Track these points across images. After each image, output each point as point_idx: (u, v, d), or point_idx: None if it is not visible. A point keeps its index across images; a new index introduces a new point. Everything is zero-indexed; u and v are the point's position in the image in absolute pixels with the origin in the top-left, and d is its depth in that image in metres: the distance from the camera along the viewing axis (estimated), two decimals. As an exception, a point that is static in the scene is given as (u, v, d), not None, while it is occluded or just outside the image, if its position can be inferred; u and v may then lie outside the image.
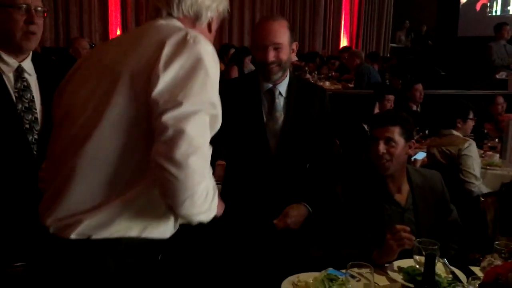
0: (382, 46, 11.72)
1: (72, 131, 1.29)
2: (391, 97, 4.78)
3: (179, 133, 1.15)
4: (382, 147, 2.09)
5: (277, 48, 2.09)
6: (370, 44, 11.68)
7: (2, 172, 1.71)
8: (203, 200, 1.21)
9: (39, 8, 1.79)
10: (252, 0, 10.99)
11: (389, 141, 2.10)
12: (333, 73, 7.93)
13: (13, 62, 1.78)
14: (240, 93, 2.19)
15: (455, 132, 3.51)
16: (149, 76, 1.20)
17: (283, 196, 2.21)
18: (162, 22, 1.38)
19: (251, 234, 2.19)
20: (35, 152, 1.77)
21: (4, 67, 1.77)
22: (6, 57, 1.77)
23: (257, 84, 2.20)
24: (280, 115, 2.21)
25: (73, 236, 1.25)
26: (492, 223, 2.26)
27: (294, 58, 7.94)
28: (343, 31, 11.69)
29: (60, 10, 9.74)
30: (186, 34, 1.27)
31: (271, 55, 2.08)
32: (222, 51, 7.58)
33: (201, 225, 1.31)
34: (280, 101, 2.21)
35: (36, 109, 1.80)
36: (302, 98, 2.24)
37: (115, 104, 1.23)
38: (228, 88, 2.16)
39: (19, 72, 1.80)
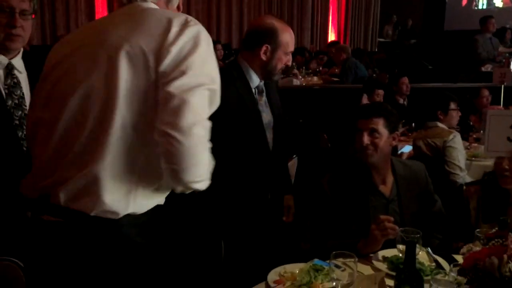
0: (370, 40, 11.78)
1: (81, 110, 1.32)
2: (381, 91, 4.85)
3: (184, 103, 1.23)
4: (366, 138, 2.12)
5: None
6: (358, 39, 11.73)
7: None
8: (206, 168, 1.30)
9: (26, 11, 1.78)
10: (240, -4, 11.00)
11: (373, 132, 2.13)
12: (321, 68, 7.96)
13: (2, 59, 1.79)
14: (232, 88, 2.22)
15: (440, 124, 3.55)
16: (160, 50, 1.29)
17: (277, 187, 2.33)
18: (144, 5, 1.43)
19: (248, 228, 2.24)
20: (24, 148, 1.78)
21: None
22: None
23: (246, 79, 2.26)
24: (268, 109, 2.34)
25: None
26: (475, 211, 2.30)
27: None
28: (331, 26, 11.73)
29: (46, 8, 9.66)
30: (187, 17, 1.38)
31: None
32: None
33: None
34: (264, 96, 2.35)
35: (26, 106, 1.81)
36: (273, 93, 2.41)
37: (127, 79, 1.29)
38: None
39: (9, 69, 1.80)
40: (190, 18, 1.38)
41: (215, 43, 7.02)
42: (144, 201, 1.36)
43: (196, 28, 1.36)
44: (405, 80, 5.35)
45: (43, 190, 1.34)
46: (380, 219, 1.92)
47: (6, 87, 1.78)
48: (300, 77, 7.07)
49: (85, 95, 1.32)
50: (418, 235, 1.79)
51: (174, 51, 1.29)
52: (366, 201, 2.12)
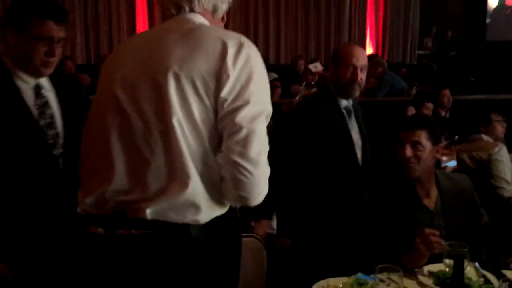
0: (409, 53, 11.63)
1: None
2: (430, 105, 4.79)
3: (252, 133, 1.31)
4: (408, 151, 2.10)
5: (363, 70, 2.49)
6: (396, 51, 11.59)
7: (32, 187, 1.73)
8: (266, 190, 1.39)
9: (62, 39, 1.82)
10: (276, 13, 11.09)
11: (416, 144, 2.11)
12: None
13: (31, 80, 1.81)
14: (325, 109, 2.45)
15: (484, 137, 3.47)
16: (220, 75, 1.32)
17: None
18: (194, 19, 1.46)
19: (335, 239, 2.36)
20: (61, 166, 1.81)
21: (22, 85, 1.78)
22: (24, 76, 1.79)
23: (335, 101, 2.50)
24: (356, 128, 2.57)
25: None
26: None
27: (320, 68, 7.96)
28: (369, 39, 11.65)
29: (90, 28, 10.04)
30: (241, 38, 1.40)
31: (360, 76, 2.46)
32: None
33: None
34: (352, 115, 2.56)
35: (57, 124, 1.84)
36: (359, 113, 2.67)
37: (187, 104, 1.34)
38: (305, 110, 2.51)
39: (37, 89, 1.83)
40: (243, 39, 1.40)
41: None
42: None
43: (251, 50, 1.39)
44: (447, 92, 5.26)
45: (119, 206, 1.38)
46: (425, 233, 1.89)
47: (37, 107, 1.80)
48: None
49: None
50: (466, 249, 1.75)
51: (233, 76, 1.32)
52: (410, 215, 2.10)
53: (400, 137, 2.15)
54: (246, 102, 1.31)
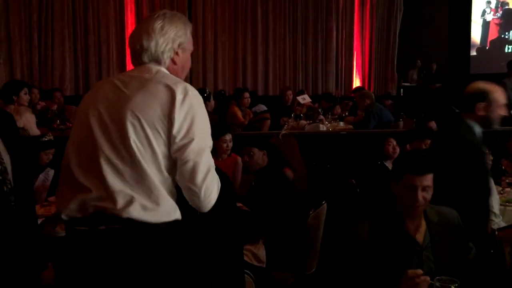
0: (394, 85, 11.83)
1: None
2: (429, 141, 4.72)
3: (197, 164, 1.74)
4: (420, 196, 2.10)
5: None
6: (381, 83, 11.79)
7: None
8: (215, 198, 1.80)
9: None
10: (265, 44, 11.26)
11: (426, 189, 2.12)
12: (346, 113, 8.00)
13: None
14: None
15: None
16: (170, 116, 1.74)
17: None
18: (149, 66, 1.90)
19: None
20: (12, 203, 1.77)
21: None
22: None
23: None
24: None
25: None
26: (510, 256, 2.24)
27: (308, 99, 8.06)
28: (356, 71, 11.85)
29: (80, 59, 10.10)
30: (186, 86, 1.80)
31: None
32: (236, 95, 7.70)
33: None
34: None
35: (3, 159, 1.78)
36: None
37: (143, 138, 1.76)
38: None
39: None
40: (188, 87, 1.80)
41: (242, 91, 7.18)
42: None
43: (194, 97, 1.79)
44: (433, 124, 5.33)
45: (97, 209, 1.73)
46: (408, 275, 1.88)
47: None
48: (327, 122, 7.12)
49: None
50: (457, 284, 1.75)
51: (180, 118, 1.74)
52: (399, 249, 2.10)
53: (411, 181, 2.11)
54: (191, 140, 1.74)
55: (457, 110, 9.75)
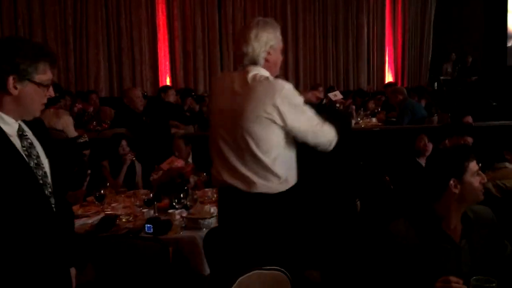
0: (429, 79, 11.61)
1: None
2: (470, 139, 4.61)
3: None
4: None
5: None
6: (415, 78, 11.59)
7: (29, 229, 1.74)
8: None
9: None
10: (295, 41, 11.24)
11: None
12: (379, 109, 7.91)
13: (13, 122, 1.77)
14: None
15: (509, 165, 3.44)
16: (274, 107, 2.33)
17: None
18: (248, 69, 2.41)
19: None
20: (53, 205, 1.81)
21: (8, 129, 1.74)
22: (8, 119, 1.74)
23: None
24: None
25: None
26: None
27: (340, 96, 7.99)
28: (388, 66, 11.69)
29: (113, 61, 10.32)
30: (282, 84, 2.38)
31: None
32: None
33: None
34: None
35: (43, 164, 1.81)
36: None
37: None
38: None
39: (21, 131, 1.79)
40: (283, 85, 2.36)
41: None
42: None
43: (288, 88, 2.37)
44: (469, 119, 5.23)
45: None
46: (450, 280, 1.84)
47: (24, 149, 1.77)
48: (359, 119, 7.06)
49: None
50: (494, 284, 1.72)
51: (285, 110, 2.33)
52: (437, 249, 2.07)
53: (474, 167, 2.12)
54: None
55: (494, 103, 9.53)
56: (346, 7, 11.34)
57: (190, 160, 4.43)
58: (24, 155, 1.75)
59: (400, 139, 5.30)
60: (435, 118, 6.32)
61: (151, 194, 3.62)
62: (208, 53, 10.86)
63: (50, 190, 1.80)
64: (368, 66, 11.52)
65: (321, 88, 8.01)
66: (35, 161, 1.78)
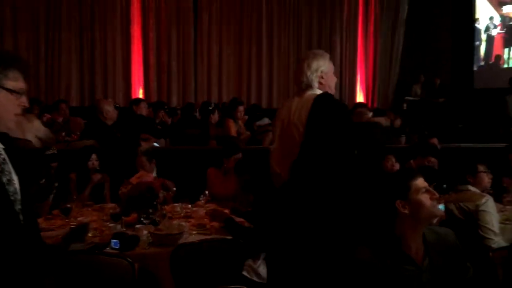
0: (397, 100, 11.86)
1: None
2: (434, 160, 4.71)
3: None
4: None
5: None
6: (385, 99, 11.81)
7: None
8: None
9: None
10: (269, 57, 11.35)
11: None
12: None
13: None
14: None
15: (471, 188, 3.53)
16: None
17: None
18: (308, 92, 3.03)
19: None
20: (22, 221, 1.80)
21: None
22: None
23: None
24: None
25: None
26: (503, 277, 2.25)
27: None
28: (359, 86, 11.90)
29: (86, 71, 10.22)
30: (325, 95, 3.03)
31: None
32: (230, 107, 7.10)
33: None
34: None
35: (14, 180, 1.80)
36: None
37: None
38: None
39: None
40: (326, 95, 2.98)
41: (237, 103, 7.06)
42: None
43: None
44: (435, 140, 5.36)
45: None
46: None
47: None
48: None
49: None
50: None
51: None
52: (400, 273, 2.10)
53: (421, 184, 2.16)
54: None
55: (460, 125, 9.78)
56: (320, 27, 11.54)
57: (154, 175, 4.42)
58: None
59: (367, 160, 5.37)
60: (403, 138, 6.46)
61: (119, 209, 3.58)
62: (183, 66, 10.86)
63: (19, 207, 1.79)
64: (340, 86, 11.70)
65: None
66: (7, 178, 1.77)
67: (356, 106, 9.09)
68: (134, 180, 3.95)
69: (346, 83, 11.76)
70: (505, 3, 10.75)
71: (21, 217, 1.79)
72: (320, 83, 3.03)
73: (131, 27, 10.46)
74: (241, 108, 6.82)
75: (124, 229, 3.36)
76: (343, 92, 11.76)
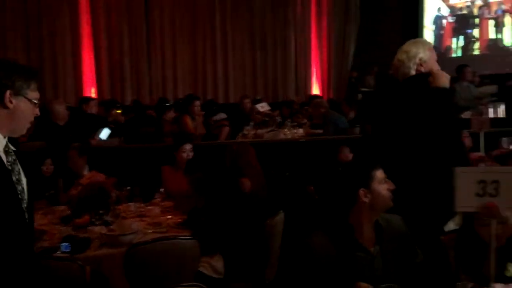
0: (352, 91, 12.04)
1: None
2: None
3: None
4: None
5: None
6: (340, 90, 11.96)
7: (6, 241, 1.84)
8: None
9: None
10: (224, 52, 11.28)
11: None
12: (306, 120, 8.08)
13: (1, 138, 1.89)
14: None
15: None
16: None
17: None
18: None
19: None
20: (26, 220, 1.93)
21: None
22: None
23: None
24: None
25: None
26: (454, 261, 2.32)
27: (267, 107, 8.11)
28: (315, 78, 12.01)
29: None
30: None
31: None
32: (186, 102, 7.03)
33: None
34: None
35: (22, 180, 1.93)
36: None
37: None
38: None
39: (7, 148, 1.91)
40: None
41: (193, 98, 6.99)
42: None
43: None
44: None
45: None
46: (359, 286, 1.91)
47: (9, 164, 1.89)
48: (286, 129, 7.17)
49: None
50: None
51: None
52: (352, 259, 2.13)
53: (381, 175, 2.22)
54: None
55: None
56: (273, 20, 11.54)
57: (86, 172, 4.31)
58: (8, 169, 1.86)
59: (324, 150, 5.45)
60: (357, 129, 6.55)
61: (69, 211, 3.48)
62: (136, 62, 10.65)
63: (25, 205, 1.93)
64: (295, 78, 11.77)
65: (247, 100, 8.10)
66: (17, 177, 1.90)
67: (313, 98, 9.24)
68: (84, 180, 3.85)
69: (302, 76, 11.84)
70: (451, -6, 11.08)
71: (26, 215, 1.92)
72: (418, 71, 2.91)
73: (80, 25, 10.15)
74: (197, 102, 6.77)
75: (74, 232, 3.26)
76: (299, 85, 11.84)
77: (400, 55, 2.99)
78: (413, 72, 2.90)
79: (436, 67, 2.95)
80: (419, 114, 2.77)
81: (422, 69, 2.91)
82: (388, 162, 2.30)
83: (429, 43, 3.12)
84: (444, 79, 2.82)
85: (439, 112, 2.76)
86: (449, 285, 1.94)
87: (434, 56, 2.99)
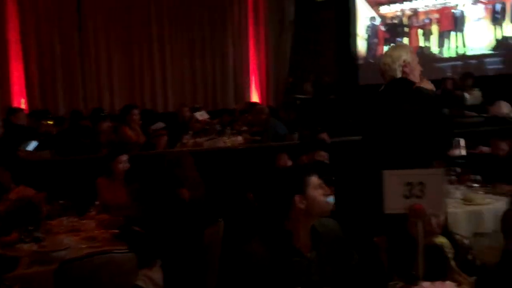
0: (287, 98, 12.22)
1: None
2: (324, 153, 4.85)
3: None
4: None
5: None
6: (279, 97, 12.11)
7: None
8: None
9: None
10: (162, 61, 11.13)
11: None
12: (245, 128, 8.09)
13: None
14: None
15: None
16: None
17: None
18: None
19: None
20: None
21: None
22: None
23: None
24: None
25: None
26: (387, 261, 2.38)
27: (206, 116, 8.06)
28: (254, 86, 12.08)
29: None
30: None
31: None
32: (124, 112, 6.75)
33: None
34: None
35: None
36: None
37: None
38: None
39: None
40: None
41: (131, 107, 6.83)
42: None
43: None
44: (324, 135, 5.58)
45: None
46: None
47: None
48: (226, 137, 7.15)
49: None
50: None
51: None
52: (289, 265, 2.13)
53: (316, 181, 2.22)
54: None
55: (350, 120, 10.29)
56: (211, 28, 11.53)
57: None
58: None
59: (263, 157, 5.47)
60: (296, 135, 6.64)
61: (-4, 228, 3.29)
62: (68, 72, 10.29)
63: None
64: (235, 86, 11.80)
65: (186, 108, 8.02)
66: None
67: (252, 105, 9.29)
68: (12, 195, 3.66)
69: (241, 84, 11.88)
70: (381, 4, 11.50)
71: None
72: (404, 72, 3.10)
73: (7, 33, 9.68)
74: (135, 111, 6.62)
75: (2, 250, 3.08)
76: (238, 93, 11.86)
77: (385, 59, 3.19)
78: (399, 75, 3.11)
79: (418, 68, 3.18)
80: (406, 113, 3.01)
81: (407, 70, 3.12)
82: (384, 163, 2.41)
83: (410, 46, 3.57)
84: (428, 86, 3.10)
85: (425, 110, 3.00)
86: (381, 285, 1.98)
87: (416, 58, 3.23)
